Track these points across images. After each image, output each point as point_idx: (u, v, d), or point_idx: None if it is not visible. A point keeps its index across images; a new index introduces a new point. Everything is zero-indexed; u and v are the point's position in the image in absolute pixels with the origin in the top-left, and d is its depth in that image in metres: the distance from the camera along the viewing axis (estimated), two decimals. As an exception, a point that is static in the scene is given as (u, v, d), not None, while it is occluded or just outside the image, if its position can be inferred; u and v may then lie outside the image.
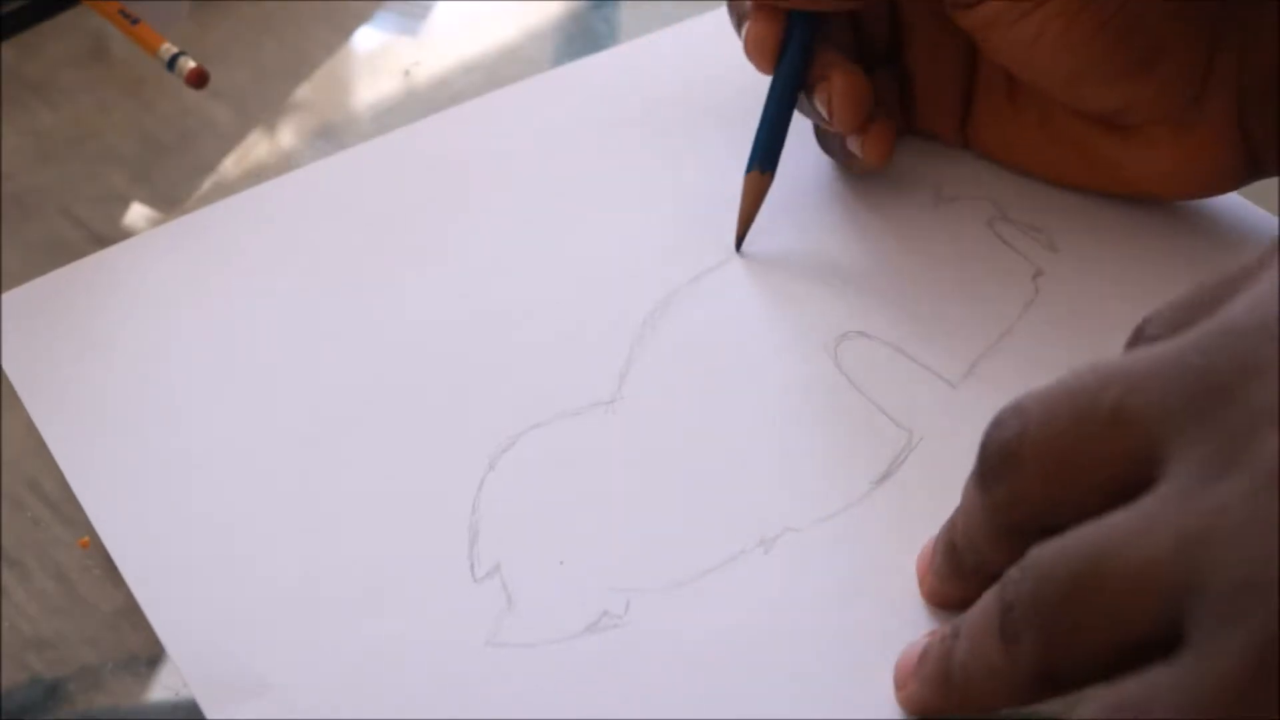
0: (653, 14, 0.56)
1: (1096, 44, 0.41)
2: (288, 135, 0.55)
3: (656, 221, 0.47)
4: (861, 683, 0.35)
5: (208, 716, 0.35)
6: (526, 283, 0.45)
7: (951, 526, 0.34)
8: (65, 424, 0.42)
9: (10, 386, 0.43)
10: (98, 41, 0.57)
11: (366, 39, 0.59)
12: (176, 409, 0.42)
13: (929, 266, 0.45)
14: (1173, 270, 0.44)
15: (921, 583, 0.36)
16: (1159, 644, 0.26)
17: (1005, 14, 0.42)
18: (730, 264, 0.46)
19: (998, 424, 0.31)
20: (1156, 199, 0.46)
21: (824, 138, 0.47)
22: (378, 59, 0.58)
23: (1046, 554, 0.28)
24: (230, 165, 0.53)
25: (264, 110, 0.55)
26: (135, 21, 0.53)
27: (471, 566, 0.38)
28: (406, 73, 0.56)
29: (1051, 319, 0.43)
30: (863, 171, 0.47)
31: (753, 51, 0.45)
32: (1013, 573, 0.29)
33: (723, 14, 0.54)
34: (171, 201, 0.52)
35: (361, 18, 0.59)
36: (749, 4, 0.45)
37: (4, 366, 0.44)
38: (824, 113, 0.44)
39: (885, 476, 0.40)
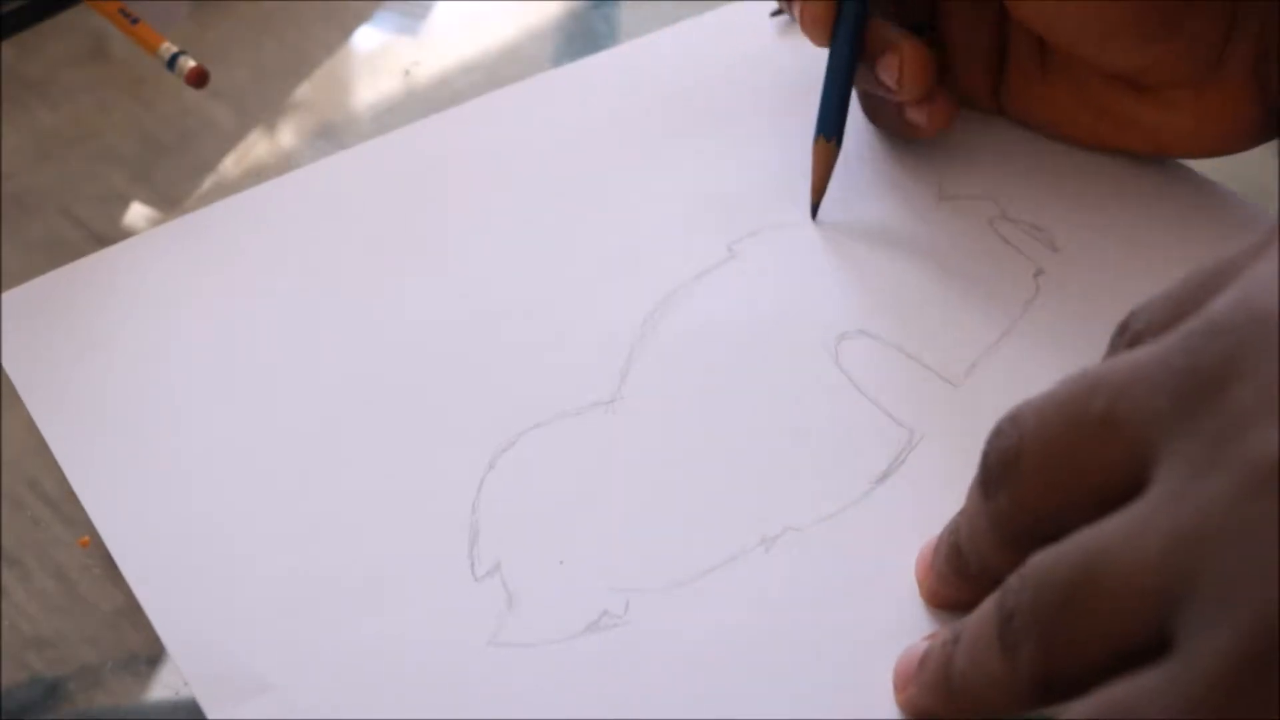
0: (653, 14, 0.56)
1: (1123, 6, 0.42)
2: (288, 135, 0.55)
3: (657, 221, 0.47)
4: (862, 683, 0.35)
5: (208, 716, 0.35)
6: (526, 282, 0.45)
7: (955, 530, 0.34)
8: (66, 423, 0.42)
9: (10, 386, 0.43)
10: (98, 41, 0.57)
11: (366, 38, 0.59)
12: (177, 408, 0.42)
13: (930, 265, 0.45)
14: (1173, 269, 0.43)
15: (921, 584, 0.36)
16: (1155, 648, 0.26)
17: None
18: (731, 263, 0.46)
19: (996, 433, 0.31)
20: (1178, 157, 0.47)
21: (877, 107, 0.48)
22: (378, 59, 0.58)
23: (1045, 562, 0.28)
24: (230, 165, 0.53)
25: (264, 110, 0.55)
26: (135, 21, 0.53)
27: (471, 566, 0.38)
28: (406, 72, 0.56)
29: (1053, 318, 0.43)
30: (917, 138, 0.48)
31: (809, 26, 0.46)
32: (1012, 581, 0.29)
33: (722, 14, 0.54)
34: (171, 201, 0.52)
35: (361, 17, 0.59)
36: None
37: (4, 366, 0.44)
38: (890, 82, 0.45)
39: (886, 476, 0.40)
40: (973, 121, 0.49)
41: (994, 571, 0.32)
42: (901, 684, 0.34)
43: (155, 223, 0.50)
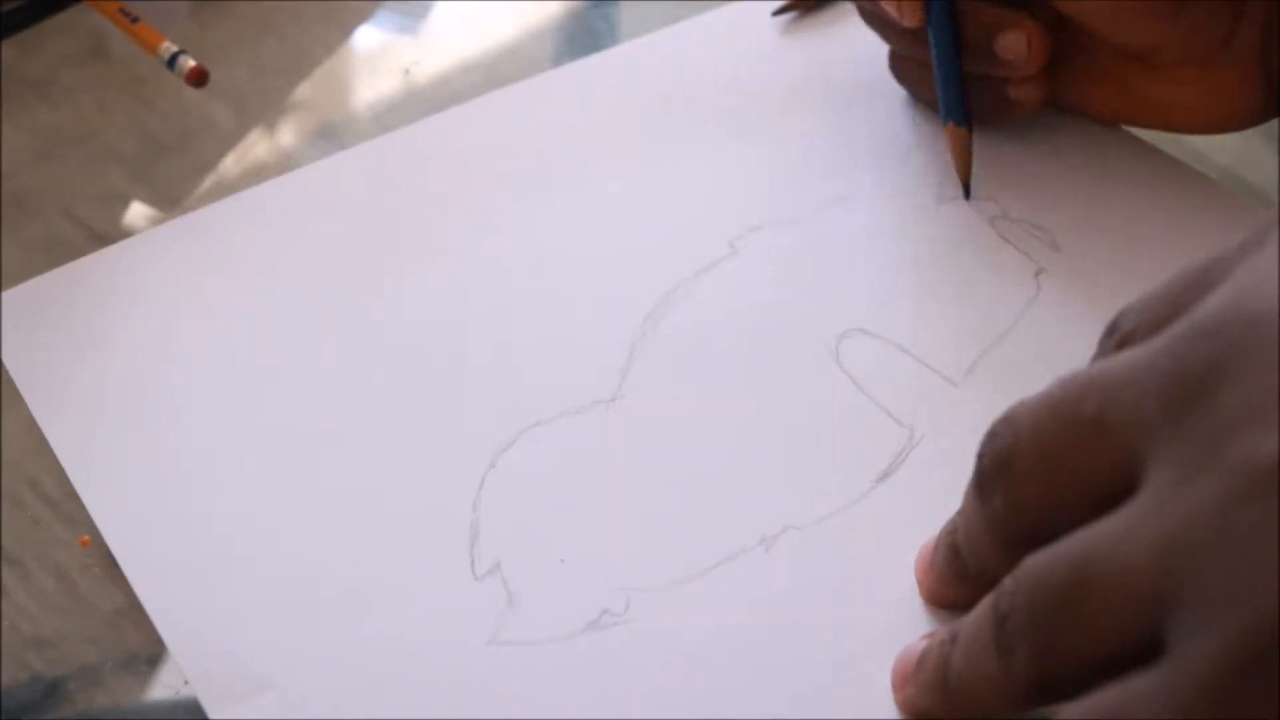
0: (652, 13, 0.56)
1: None
2: (288, 134, 0.55)
3: (657, 219, 0.47)
4: (862, 681, 0.35)
5: (209, 715, 0.35)
6: (526, 281, 0.45)
7: (953, 531, 0.34)
8: (67, 422, 0.42)
9: (11, 385, 0.43)
10: (97, 40, 0.57)
11: (366, 38, 0.59)
12: (177, 407, 0.42)
13: (931, 264, 0.45)
14: (1174, 268, 0.44)
15: (921, 583, 0.36)
16: (1147, 651, 0.26)
17: None
18: (731, 261, 0.46)
19: (992, 435, 0.31)
20: (1184, 133, 0.48)
21: (980, 88, 0.48)
22: (378, 58, 0.58)
23: (1039, 564, 0.29)
24: (230, 164, 0.53)
25: (264, 109, 0.55)
26: (135, 20, 0.53)
27: (472, 565, 0.38)
28: (406, 72, 0.56)
29: (1054, 317, 0.43)
30: (1015, 115, 0.48)
31: (899, 11, 0.46)
32: (1007, 583, 0.29)
33: (722, 13, 0.54)
34: (171, 200, 0.52)
35: (361, 17, 0.59)
36: None
37: (6, 365, 0.44)
38: (1017, 58, 0.45)
39: (886, 475, 0.40)
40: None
41: (991, 573, 0.32)
42: (900, 683, 0.34)
43: (155, 222, 0.50)
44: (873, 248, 0.46)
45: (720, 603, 0.37)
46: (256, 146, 0.54)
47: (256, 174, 0.52)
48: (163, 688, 0.38)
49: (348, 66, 0.58)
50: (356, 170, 0.50)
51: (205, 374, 0.43)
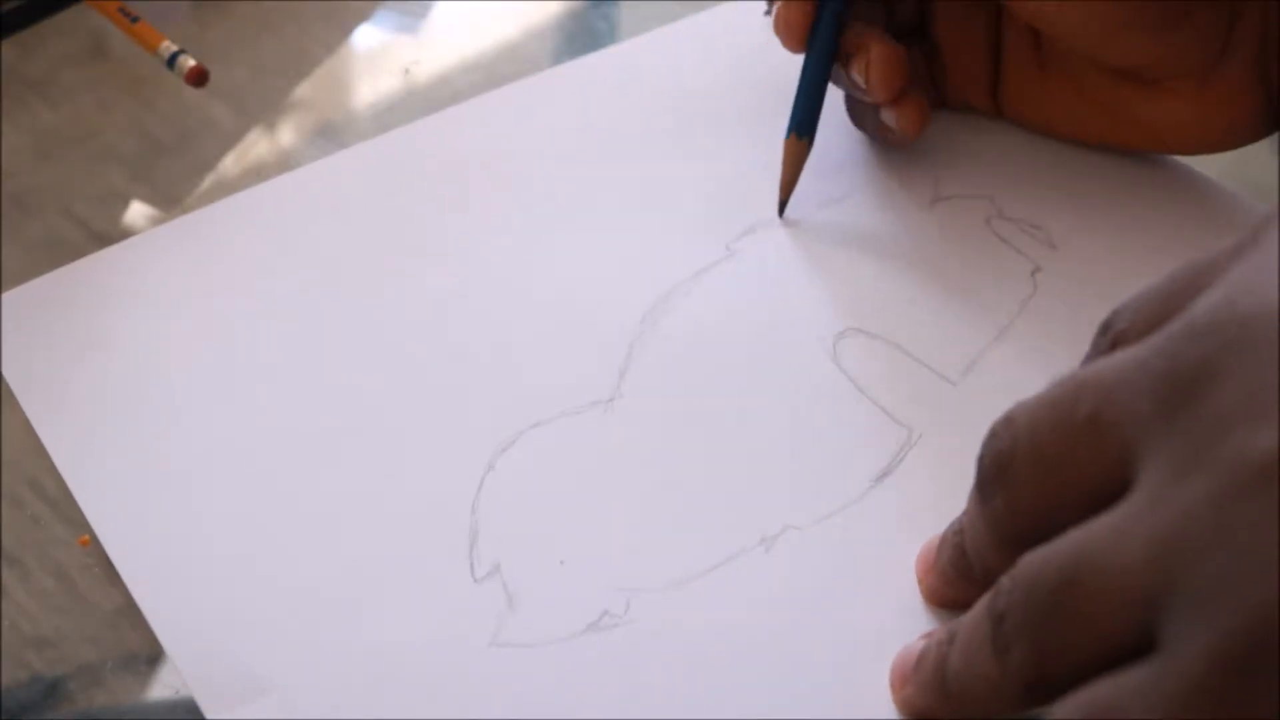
0: (652, 12, 0.56)
1: (1126, 1, 0.42)
2: (288, 134, 0.55)
3: (656, 219, 0.47)
4: (861, 681, 0.35)
5: (208, 718, 0.35)
6: (525, 281, 0.45)
7: (959, 532, 0.34)
8: (64, 424, 0.42)
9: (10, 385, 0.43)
10: (97, 40, 0.57)
11: (366, 37, 0.59)
12: (176, 409, 0.42)
13: (927, 264, 0.45)
14: (1171, 267, 0.44)
15: (922, 583, 0.36)
16: (1142, 649, 0.26)
17: None
18: (729, 262, 0.46)
19: (991, 436, 0.31)
20: (1178, 154, 0.47)
21: (857, 111, 0.48)
22: (378, 57, 0.58)
23: (1034, 564, 0.29)
24: (230, 164, 0.53)
25: (264, 109, 0.55)
26: (135, 20, 0.53)
27: (471, 567, 0.38)
28: (406, 71, 0.56)
29: (1050, 315, 0.43)
30: (896, 144, 0.48)
31: (782, 31, 0.46)
32: (1004, 582, 0.29)
33: (722, 12, 0.54)
34: (171, 200, 0.52)
35: (361, 16, 0.59)
36: None
37: (3, 367, 0.44)
38: (860, 82, 0.45)
39: (885, 474, 0.40)
40: (969, 120, 0.49)
41: (994, 573, 0.32)
42: (898, 683, 0.34)
43: (155, 222, 0.50)
44: (870, 248, 0.46)
45: (720, 603, 0.37)
46: (256, 146, 0.54)
47: (256, 174, 0.52)
48: (163, 688, 0.38)
49: (348, 66, 0.58)
50: (356, 170, 0.50)
51: (204, 375, 0.43)
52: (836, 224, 0.47)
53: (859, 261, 0.45)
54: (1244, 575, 0.24)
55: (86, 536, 0.40)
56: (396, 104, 0.55)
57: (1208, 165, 0.47)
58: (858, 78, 0.45)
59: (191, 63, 0.51)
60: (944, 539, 0.35)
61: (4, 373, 0.44)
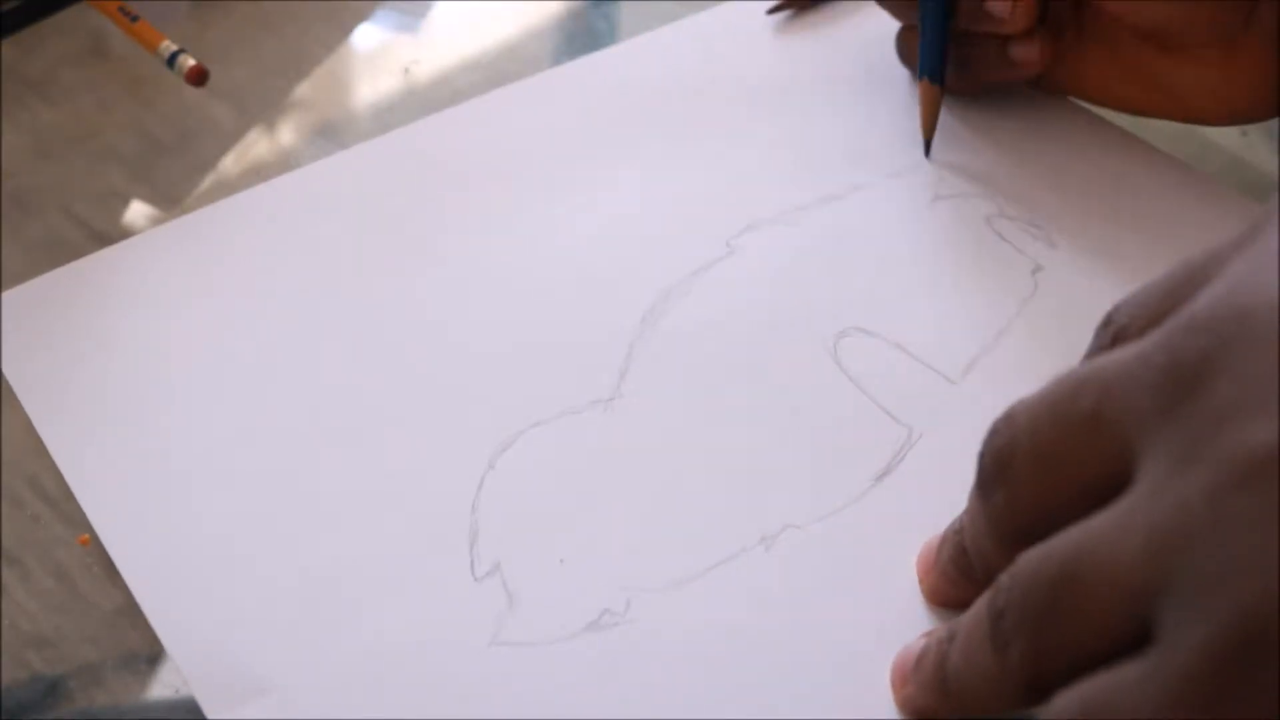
0: (652, 12, 0.56)
1: None
2: (288, 133, 0.55)
3: (655, 218, 0.47)
4: (862, 680, 0.35)
5: (209, 717, 0.35)
6: (525, 281, 0.45)
7: (960, 530, 0.34)
8: (64, 424, 0.42)
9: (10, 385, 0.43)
10: (97, 39, 0.57)
11: (366, 37, 0.59)
12: (176, 408, 0.42)
13: (928, 263, 0.45)
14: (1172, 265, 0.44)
15: (923, 581, 0.36)
16: (1139, 644, 0.26)
17: None
18: (729, 260, 0.46)
19: (992, 434, 0.31)
20: (1205, 122, 0.48)
21: (976, 52, 0.48)
22: (378, 57, 0.58)
23: (1033, 560, 0.29)
24: (230, 163, 0.53)
25: (264, 108, 0.55)
26: (135, 19, 0.53)
27: (471, 566, 0.38)
28: (406, 71, 0.56)
29: (1051, 314, 0.43)
30: (1015, 79, 0.48)
31: None
32: (1003, 579, 0.29)
33: (722, 12, 0.54)
34: (171, 200, 0.52)
35: (361, 16, 0.59)
36: None
37: (3, 366, 0.44)
38: (1003, 13, 0.46)
39: (885, 473, 0.40)
40: (969, 119, 0.49)
41: (995, 571, 0.32)
42: (899, 682, 0.34)
43: (155, 222, 0.50)
44: (870, 246, 0.46)
45: (720, 602, 0.37)
46: (256, 146, 0.54)
47: (256, 173, 0.52)
48: (163, 687, 0.38)
49: (348, 66, 0.58)
50: (356, 170, 0.50)
51: (204, 375, 0.43)
52: (837, 222, 0.47)
53: (860, 260, 0.45)
54: (1240, 569, 0.24)
55: (86, 536, 0.40)
56: (396, 104, 0.55)
57: (1208, 165, 0.47)
58: (999, 9, 0.46)
59: (191, 62, 0.51)
60: (944, 537, 0.35)
61: (4, 372, 0.44)
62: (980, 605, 0.30)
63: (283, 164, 0.52)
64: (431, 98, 0.54)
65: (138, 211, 0.51)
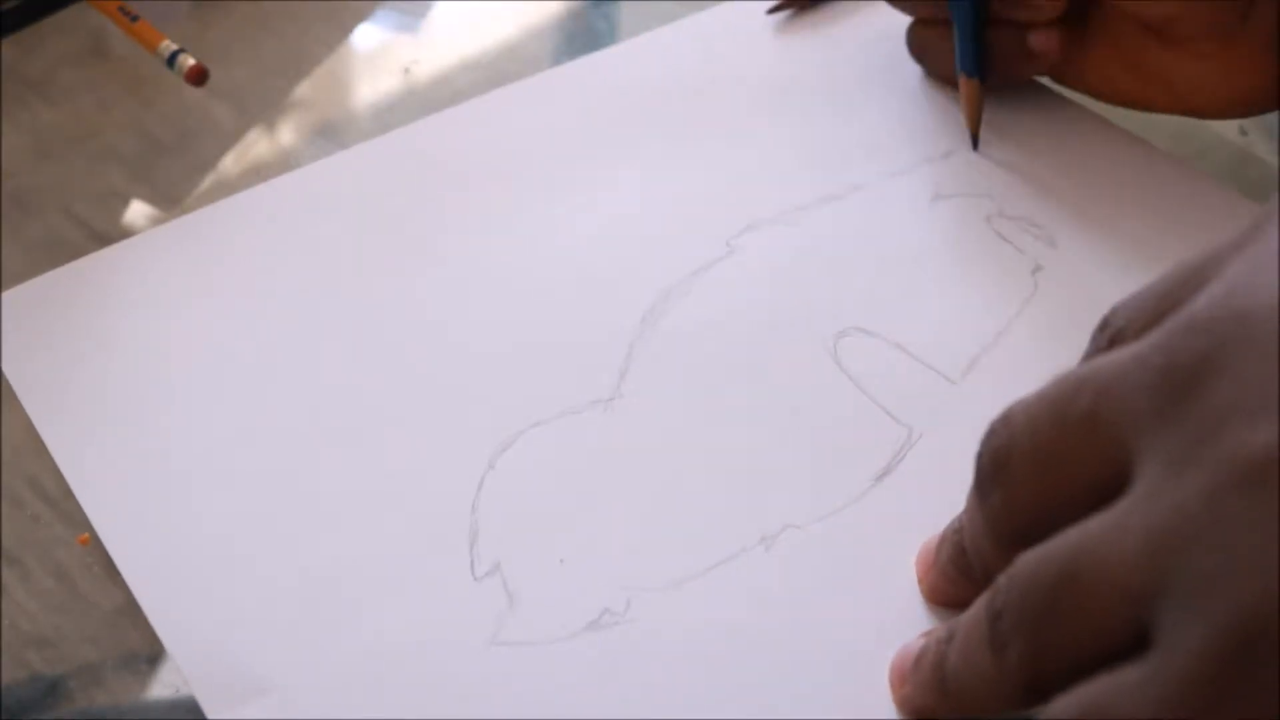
0: (652, 12, 0.56)
1: None
2: (288, 133, 0.55)
3: (655, 218, 0.47)
4: (862, 680, 0.35)
5: (209, 717, 0.35)
6: (525, 281, 0.45)
7: (959, 530, 0.34)
8: (64, 423, 0.42)
9: (10, 384, 0.43)
10: (97, 39, 0.57)
11: (366, 37, 0.59)
12: (176, 408, 0.42)
13: (928, 263, 0.45)
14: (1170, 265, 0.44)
15: (922, 581, 0.36)
16: (1137, 646, 0.26)
17: None
18: (729, 260, 0.46)
19: (990, 434, 0.31)
20: (1204, 115, 0.48)
21: (994, 44, 0.48)
22: (378, 57, 0.58)
23: (1031, 562, 0.29)
24: (230, 163, 0.53)
25: (264, 108, 0.55)
26: (135, 19, 0.53)
27: (471, 565, 0.38)
28: (406, 71, 0.56)
29: (1051, 314, 0.43)
30: (1032, 73, 0.49)
31: None
32: (1001, 580, 0.29)
33: (721, 12, 0.54)
34: (171, 200, 0.52)
35: (361, 15, 0.59)
36: None
37: (3, 366, 0.44)
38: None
39: (885, 473, 0.40)
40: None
41: (994, 571, 0.32)
42: (898, 682, 0.34)
43: (155, 222, 0.50)
44: (870, 246, 0.46)
45: (720, 602, 0.37)
46: (256, 146, 0.54)
47: (256, 173, 0.52)
48: (163, 687, 0.38)
49: (348, 66, 0.58)
50: (356, 170, 0.50)
51: (204, 375, 0.43)
52: (837, 222, 0.47)
53: (860, 260, 0.45)
54: (1239, 570, 0.24)
55: (87, 535, 0.40)
56: (396, 104, 0.55)
57: (1208, 165, 0.47)
58: None
59: (191, 62, 0.51)
60: (944, 537, 0.35)
61: (4, 372, 0.44)
62: (979, 606, 0.30)
63: (283, 164, 0.52)
64: (431, 98, 0.54)
65: (138, 211, 0.51)
